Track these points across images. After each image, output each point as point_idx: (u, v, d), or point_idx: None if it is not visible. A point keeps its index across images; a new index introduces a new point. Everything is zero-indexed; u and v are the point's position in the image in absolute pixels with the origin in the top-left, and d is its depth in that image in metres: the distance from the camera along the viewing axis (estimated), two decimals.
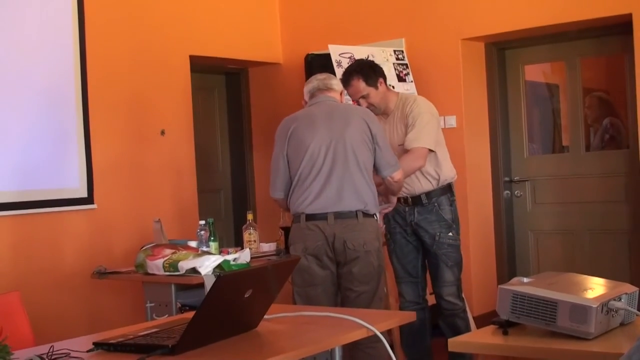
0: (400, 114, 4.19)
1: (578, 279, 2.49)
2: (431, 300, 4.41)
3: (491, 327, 2.36)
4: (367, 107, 4.16)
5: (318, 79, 3.98)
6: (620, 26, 5.22)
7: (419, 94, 5.48)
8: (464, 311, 4.27)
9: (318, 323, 2.57)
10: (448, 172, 4.22)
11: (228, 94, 6.91)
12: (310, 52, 5.98)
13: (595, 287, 2.34)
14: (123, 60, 5.46)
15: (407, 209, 4.20)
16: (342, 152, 3.77)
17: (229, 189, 6.88)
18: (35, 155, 4.93)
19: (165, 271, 3.97)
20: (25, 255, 4.87)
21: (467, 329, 4.20)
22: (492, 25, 5.59)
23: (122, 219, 5.36)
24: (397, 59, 5.73)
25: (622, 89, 5.57)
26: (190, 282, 3.90)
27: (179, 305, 4.00)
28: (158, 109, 5.69)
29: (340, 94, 3.99)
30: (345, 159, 3.77)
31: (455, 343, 2.34)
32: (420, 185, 4.16)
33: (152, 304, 4.08)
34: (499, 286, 2.33)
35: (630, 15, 5.07)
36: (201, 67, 6.25)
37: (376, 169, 3.86)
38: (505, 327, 2.30)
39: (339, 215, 3.75)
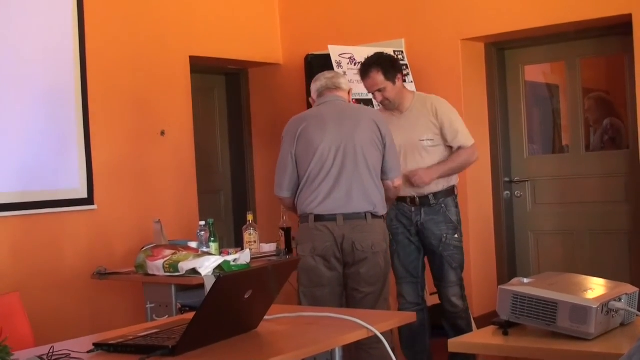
0: (420, 110, 4.19)
1: (578, 279, 2.49)
2: (430, 301, 4.41)
3: (491, 328, 2.36)
4: (382, 101, 4.19)
5: (326, 77, 3.97)
6: (620, 26, 5.22)
7: None
8: (466, 311, 4.28)
9: (318, 324, 2.57)
10: (453, 176, 4.26)
11: (228, 94, 6.91)
12: (310, 53, 5.98)
13: (596, 288, 2.34)
14: (123, 61, 5.45)
15: (413, 209, 4.20)
16: (352, 153, 3.77)
17: (229, 189, 6.87)
18: (35, 156, 4.92)
19: (165, 272, 3.97)
20: (25, 256, 4.87)
21: (469, 329, 4.21)
22: (492, 25, 5.59)
23: (123, 220, 5.36)
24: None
25: (622, 89, 5.57)
26: (190, 283, 3.90)
27: (179, 306, 4.00)
28: (158, 110, 5.69)
29: (348, 92, 3.99)
30: (355, 160, 3.77)
31: (455, 344, 2.34)
32: (429, 186, 4.17)
33: (152, 305, 4.08)
34: (499, 287, 2.33)
35: (630, 15, 5.07)
36: (201, 67, 6.25)
37: (383, 171, 3.87)
38: (506, 327, 2.30)
39: (348, 217, 3.76)
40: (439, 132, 4.18)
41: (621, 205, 5.52)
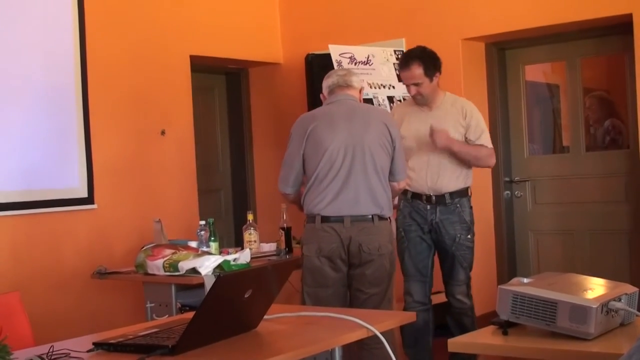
0: (449, 110, 4.20)
1: (578, 279, 2.49)
2: (435, 299, 4.42)
3: (491, 328, 2.36)
4: (415, 95, 4.19)
5: (338, 74, 3.96)
6: (621, 26, 5.22)
7: None
8: (472, 309, 4.30)
9: (318, 323, 2.57)
10: (470, 176, 4.28)
11: (228, 93, 6.91)
12: (310, 52, 5.98)
13: (595, 288, 2.34)
14: (123, 60, 5.46)
15: (428, 207, 4.21)
16: (361, 155, 3.77)
17: (229, 188, 6.88)
18: (35, 156, 4.92)
19: (165, 271, 3.97)
20: (25, 255, 4.87)
21: (473, 327, 4.22)
22: (493, 25, 5.59)
23: (123, 219, 5.36)
24: (397, 59, 5.73)
25: (622, 89, 5.57)
26: (190, 282, 3.90)
27: (179, 305, 4.00)
28: (158, 109, 5.69)
29: (360, 91, 3.98)
30: (364, 162, 3.77)
31: (455, 343, 2.33)
32: (447, 184, 4.18)
33: (152, 304, 4.08)
34: (499, 286, 2.33)
35: (630, 15, 5.07)
36: (201, 67, 6.25)
37: (390, 173, 3.88)
38: (505, 327, 2.30)
39: (355, 219, 3.77)
40: (463, 133, 4.20)
41: (621, 205, 5.52)
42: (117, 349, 2.22)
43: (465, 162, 4.21)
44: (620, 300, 2.26)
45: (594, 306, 2.14)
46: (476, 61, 5.84)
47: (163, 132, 5.70)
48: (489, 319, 2.43)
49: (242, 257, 3.96)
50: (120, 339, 2.27)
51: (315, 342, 2.29)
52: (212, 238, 4.37)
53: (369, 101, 5.20)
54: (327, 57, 5.52)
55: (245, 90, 6.84)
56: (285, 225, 4.51)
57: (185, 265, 3.90)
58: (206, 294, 2.19)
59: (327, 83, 3.95)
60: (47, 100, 5.01)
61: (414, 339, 4.34)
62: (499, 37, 5.73)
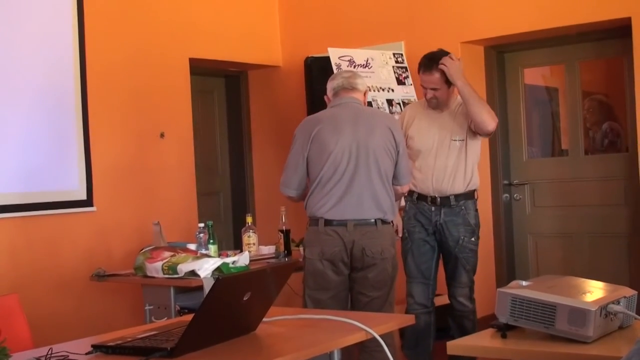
0: (460, 111, 4.19)
1: (577, 282, 2.49)
2: (436, 302, 4.42)
3: (490, 330, 2.36)
4: (430, 99, 4.19)
5: (343, 76, 3.95)
6: (620, 30, 5.23)
7: (418, 97, 5.49)
8: (473, 313, 4.30)
9: (317, 326, 2.57)
10: (476, 179, 4.27)
11: (227, 96, 6.91)
12: (309, 55, 5.98)
13: (594, 291, 2.34)
14: (123, 63, 5.46)
15: (433, 208, 4.22)
16: (365, 159, 3.77)
17: (229, 191, 6.87)
18: (34, 158, 4.92)
19: (164, 274, 3.97)
20: (24, 258, 4.87)
21: (474, 331, 4.21)
22: (492, 28, 5.59)
23: (122, 222, 5.36)
24: (397, 62, 5.74)
25: (621, 92, 5.57)
26: (189, 285, 3.90)
27: (177, 307, 4.00)
28: (158, 112, 5.69)
29: (364, 94, 3.98)
30: (368, 166, 3.77)
31: (454, 346, 2.34)
32: (453, 186, 4.18)
33: (151, 307, 4.08)
34: (498, 289, 2.33)
35: (629, 19, 5.07)
36: (201, 69, 6.25)
37: (394, 177, 3.88)
38: (504, 330, 2.30)
39: (358, 223, 3.77)
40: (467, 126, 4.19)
41: (620, 208, 5.52)
42: (115, 351, 2.22)
43: (466, 107, 4.11)
44: (619, 303, 2.26)
45: (592, 309, 2.14)
46: (475, 64, 5.85)
47: (162, 135, 5.70)
48: (488, 321, 2.44)
49: (241, 259, 3.96)
50: (119, 342, 2.27)
51: (314, 344, 2.30)
52: (211, 240, 4.37)
53: (367, 104, 5.20)
54: (327, 60, 5.52)
55: (245, 93, 6.84)
56: (284, 227, 4.52)
57: (184, 268, 3.90)
58: (205, 296, 2.20)
59: (332, 85, 3.94)
60: (47, 103, 5.01)
61: (414, 341, 4.34)
62: (498, 40, 5.73)
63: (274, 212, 4.90)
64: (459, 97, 4.27)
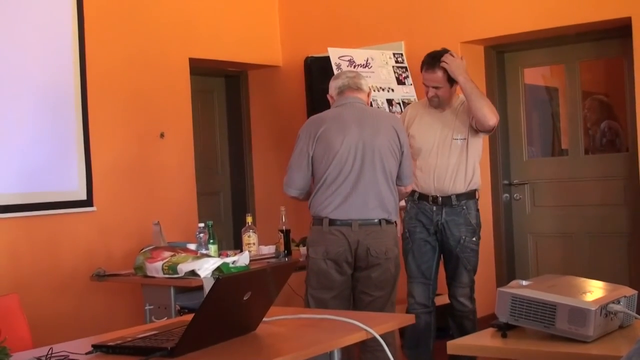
0: (462, 110, 4.20)
1: (577, 281, 2.49)
2: (437, 301, 4.42)
3: (490, 330, 2.36)
4: (432, 97, 4.20)
5: (348, 76, 3.95)
6: (620, 29, 5.23)
7: (418, 97, 5.49)
8: (474, 313, 4.30)
9: (317, 325, 2.57)
10: (477, 179, 4.27)
11: (227, 96, 6.91)
12: (309, 55, 5.98)
13: (594, 290, 2.34)
14: (122, 63, 5.46)
15: (434, 208, 4.22)
16: (370, 159, 3.77)
17: (229, 191, 6.88)
18: (34, 158, 4.92)
19: (164, 274, 3.97)
20: (24, 258, 4.87)
21: (474, 330, 4.22)
22: (492, 28, 5.59)
23: (122, 222, 5.36)
24: (397, 62, 5.74)
25: (621, 92, 5.57)
26: (189, 285, 3.90)
27: (178, 307, 4.00)
28: (157, 112, 5.69)
29: (368, 95, 3.98)
30: (373, 166, 3.78)
31: (454, 346, 2.34)
32: (454, 185, 4.18)
33: (151, 307, 4.08)
34: (498, 289, 2.33)
35: (629, 18, 5.07)
36: (201, 69, 6.25)
37: (398, 177, 3.89)
38: (504, 329, 2.30)
39: (363, 223, 3.77)
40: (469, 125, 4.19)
41: (620, 208, 5.52)
42: (115, 351, 2.22)
43: (468, 103, 4.11)
44: (619, 302, 2.26)
45: (592, 309, 2.14)
46: (475, 64, 5.84)
47: (162, 135, 5.70)
48: (488, 321, 2.44)
49: (241, 259, 3.96)
50: (119, 342, 2.27)
51: (314, 344, 2.30)
52: (211, 240, 4.37)
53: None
54: (326, 60, 5.52)
55: (245, 93, 6.84)
56: (284, 227, 4.52)
57: (184, 268, 3.90)
58: (205, 296, 2.20)
59: (336, 84, 3.94)
60: (47, 103, 5.01)
61: (415, 341, 4.34)
62: (498, 40, 5.73)
63: (274, 212, 4.90)
64: (461, 95, 4.27)
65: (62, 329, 4.66)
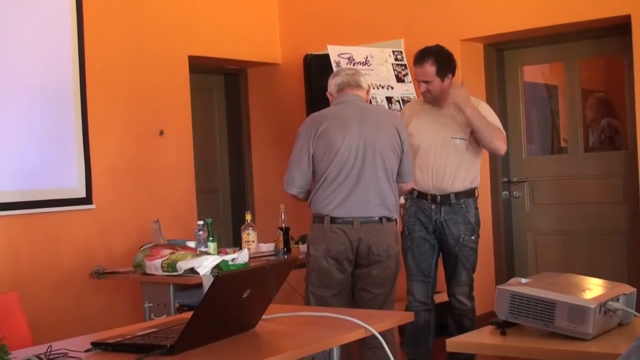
0: (457, 111, 4.19)
1: (576, 279, 2.50)
2: (436, 299, 4.42)
3: (489, 328, 2.36)
4: (424, 93, 4.21)
5: (347, 73, 3.94)
6: (619, 27, 5.23)
7: (417, 95, 5.49)
8: (472, 311, 4.30)
9: (316, 323, 2.57)
10: (477, 177, 4.28)
11: (227, 94, 6.91)
12: (309, 53, 5.98)
13: (593, 288, 2.34)
14: (122, 61, 5.45)
15: (433, 206, 4.22)
16: (372, 157, 3.77)
17: (228, 189, 6.88)
18: (33, 156, 4.92)
19: (163, 271, 3.97)
20: (23, 255, 4.87)
21: (473, 329, 4.21)
22: (491, 26, 5.59)
23: (121, 219, 5.36)
24: (396, 59, 5.74)
25: (620, 90, 5.57)
26: (188, 282, 3.90)
27: (177, 305, 4.00)
28: (157, 109, 5.69)
29: (367, 92, 3.97)
30: (374, 164, 3.77)
31: (454, 343, 2.34)
32: (453, 184, 4.18)
33: (151, 304, 4.08)
34: (498, 286, 2.33)
35: (628, 16, 5.07)
36: (200, 67, 6.25)
37: (399, 174, 3.88)
38: (504, 327, 2.30)
39: (364, 220, 3.77)
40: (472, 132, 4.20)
41: (619, 205, 5.52)
42: (115, 348, 2.22)
43: (476, 135, 4.15)
44: (618, 300, 2.26)
45: (592, 306, 2.14)
46: (474, 62, 5.85)
47: (161, 133, 5.70)
48: (488, 319, 2.44)
49: (241, 257, 3.96)
50: (119, 339, 2.27)
51: (314, 342, 2.30)
52: (211, 238, 4.37)
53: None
54: (326, 57, 5.52)
55: (244, 90, 6.84)
56: (283, 225, 4.51)
57: (183, 265, 3.90)
58: (204, 294, 2.19)
59: (335, 81, 3.93)
60: (46, 101, 5.01)
61: (414, 339, 4.35)
62: (498, 37, 5.73)
63: (273, 209, 4.90)
64: None
65: (61, 326, 4.67)
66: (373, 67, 5.61)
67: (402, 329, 4.42)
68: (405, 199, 4.33)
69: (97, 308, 5.13)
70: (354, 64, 5.49)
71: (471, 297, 4.29)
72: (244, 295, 2.27)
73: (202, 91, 6.60)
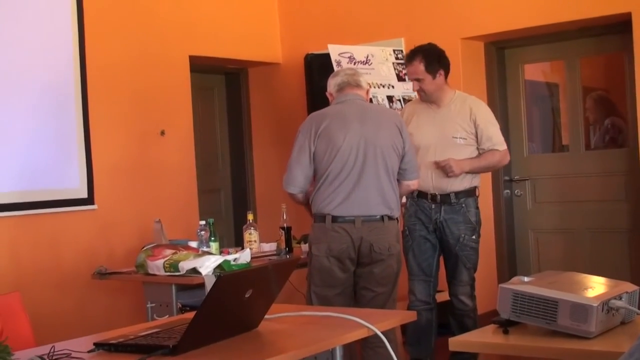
0: (459, 109, 4.21)
1: (578, 277, 2.49)
2: (437, 298, 4.42)
3: (492, 326, 2.36)
4: (417, 91, 4.22)
5: (347, 73, 3.95)
6: (620, 25, 5.23)
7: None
8: (474, 311, 4.29)
9: (319, 323, 2.57)
10: (477, 176, 4.28)
11: (228, 94, 6.91)
12: (309, 52, 5.98)
13: (596, 286, 2.34)
14: (123, 61, 5.46)
15: (433, 206, 4.22)
16: (373, 156, 3.77)
17: (229, 188, 6.88)
18: (35, 156, 4.93)
19: (165, 271, 3.97)
20: (25, 256, 4.87)
21: (475, 328, 4.21)
22: (492, 24, 5.59)
23: (123, 220, 5.36)
24: (397, 58, 5.73)
25: (621, 88, 5.57)
26: (190, 283, 3.90)
27: (179, 305, 4.00)
28: (158, 109, 5.69)
29: (367, 92, 3.98)
30: (375, 163, 3.77)
31: (456, 342, 2.33)
32: (453, 183, 4.18)
33: (153, 305, 4.08)
34: (500, 285, 2.33)
35: (629, 14, 5.07)
36: (201, 67, 6.25)
37: (401, 174, 3.87)
38: (506, 326, 2.30)
39: (366, 219, 3.76)
40: (473, 133, 4.21)
41: (621, 203, 5.52)
42: (118, 349, 2.22)
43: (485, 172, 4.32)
44: (620, 298, 2.26)
45: (594, 305, 2.14)
46: (475, 60, 5.85)
47: (163, 133, 5.70)
48: (490, 317, 2.43)
49: (243, 257, 3.96)
50: (121, 339, 2.27)
51: (316, 341, 2.29)
52: (212, 238, 4.37)
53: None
54: (327, 57, 5.52)
55: (245, 90, 6.84)
56: (285, 224, 4.52)
57: (185, 266, 3.90)
58: (207, 294, 2.19)
59: (335, 81, 3.93)
60: (47, 101, 5.01)
61: (416, 338, 4.35)
62: (498, 36, 5.73)
63: (275, 209, 4.90)
64: (456, 92, 4.28)
65: (64, 327, 4.67)
66: (374, 66, 5.60)
67: (404, 328, 4.43)
68: (406, 198, 4.33)
69: (100, 308, 5.13)
70: (354, 63, 5.49)
71: (473, 297, 4.29)
72: (247, 295, 2.27)
73: (203, 91, 6.60)
